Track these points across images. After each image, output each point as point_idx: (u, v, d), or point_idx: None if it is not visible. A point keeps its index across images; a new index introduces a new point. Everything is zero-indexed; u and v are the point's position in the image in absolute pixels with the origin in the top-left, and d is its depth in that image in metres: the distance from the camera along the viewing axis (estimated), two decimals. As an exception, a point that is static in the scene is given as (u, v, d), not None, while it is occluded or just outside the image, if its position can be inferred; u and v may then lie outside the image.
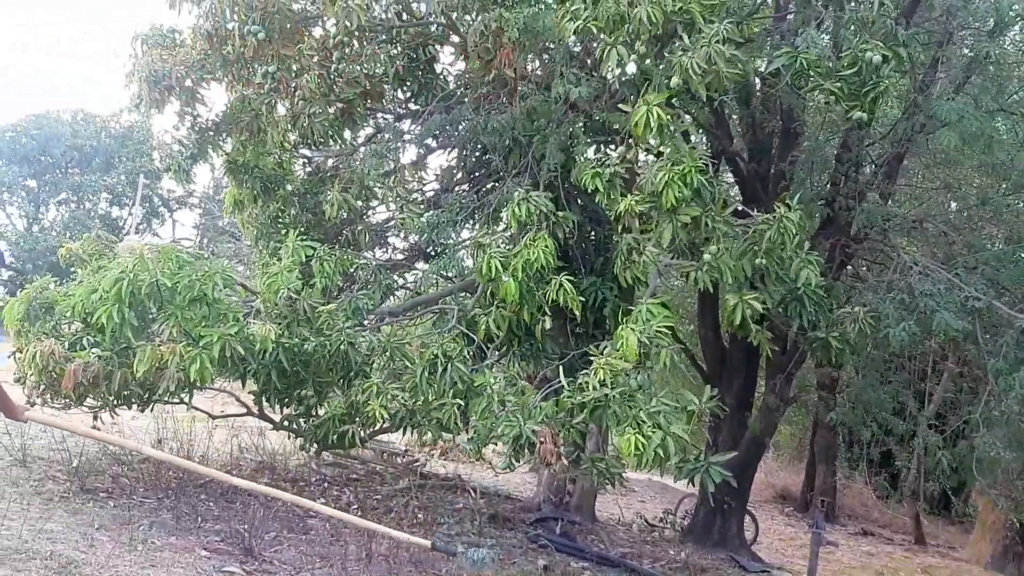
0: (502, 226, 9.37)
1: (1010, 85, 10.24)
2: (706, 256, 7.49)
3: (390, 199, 9.93)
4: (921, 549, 16.86)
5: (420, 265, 11.48)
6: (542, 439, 6.89)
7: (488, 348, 8.86)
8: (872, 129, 9.95)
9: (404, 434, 8.68)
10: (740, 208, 9.17)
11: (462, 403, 7.60)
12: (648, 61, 7.73)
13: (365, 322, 9.20)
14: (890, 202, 11.24)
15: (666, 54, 7.72)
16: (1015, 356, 8.68)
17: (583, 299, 8.65)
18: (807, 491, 19.62)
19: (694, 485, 7.40)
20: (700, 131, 11.65)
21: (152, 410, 8.97)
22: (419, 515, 9.74)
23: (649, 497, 16.70)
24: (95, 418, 8.80)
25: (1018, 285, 9.91)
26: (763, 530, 14.06)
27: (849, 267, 11.26)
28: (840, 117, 7.82)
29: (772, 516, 18.21)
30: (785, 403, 11.31)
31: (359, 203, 10.23)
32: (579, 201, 9.49)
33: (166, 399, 8.16)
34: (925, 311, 8.44)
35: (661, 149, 7.85)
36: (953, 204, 12.85)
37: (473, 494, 11.51)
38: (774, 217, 7.39)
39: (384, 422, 8.07)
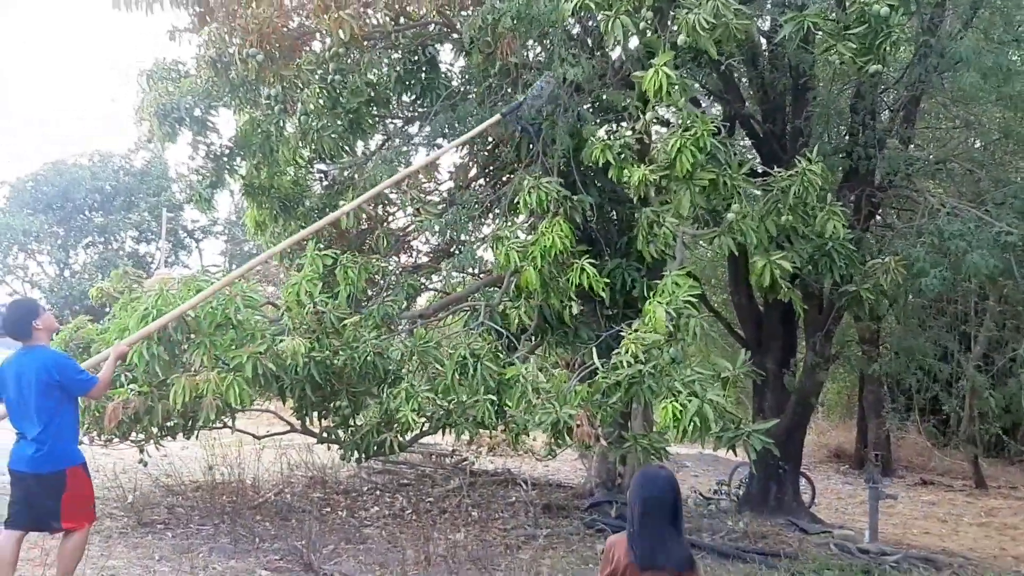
0: (521, 217, 9.34)
1: (1019, 15, 10.01)
2: (728, 216, 7.42)
3: (406, 203, 9.93)
4: (983, 493, 16.63)
5: (445, 265, 11.49)
6: (578, 422, 6.86)
7: (520, 339, 8.84)
8: (885, 75, 9.79)
9: (444, 435, 8.67)
10: (761, 170, 9.07)
11: (495, 399, 7.59)
12: (650, 33, 7.66)
13: (395, 327, 9.22)
14: (911, 146, 11.07)
15: (671, 16, 7.65)
16: (1052, 287, 8.51)
17: (610, 281, 8.61)
18: (860, 447, 19.45)
19: (736, 454, 7.33)
20: (710, 97, 11.55)
21: (198, 437, 9.07)
22: (473, 512, 9.77)
23: (701, 471, 16.64)
24: (141, 451, 8.90)
25: (1050, 214, 9.71)
26: (820, 491, 13.94)
27: (878, 216, 11.10)
28: (851, 68, 7.70)
29: (828, 476, 18.07)
30: (827, 361, 11.17)
31: (376, 210, 10.25)
32: (596, 183, 9.43)
33: (208, 426, 8.22)
34: (957, 253, 8.29)
35: (671, 117, 7.77)
36: (975, 141, 12.63)
37: (525, 486, 11.52)
38: (796, 172, 7.31)
39: (421, 426, 8.08)
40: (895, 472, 18.36)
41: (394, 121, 11.57)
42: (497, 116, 8.66)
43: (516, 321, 8.80)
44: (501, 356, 8.06)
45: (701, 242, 8.54)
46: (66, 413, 5.57)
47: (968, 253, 8.16)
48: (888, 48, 7.17)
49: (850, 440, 20.70)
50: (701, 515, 11.06)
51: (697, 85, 9.95)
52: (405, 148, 10.80)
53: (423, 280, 11.13)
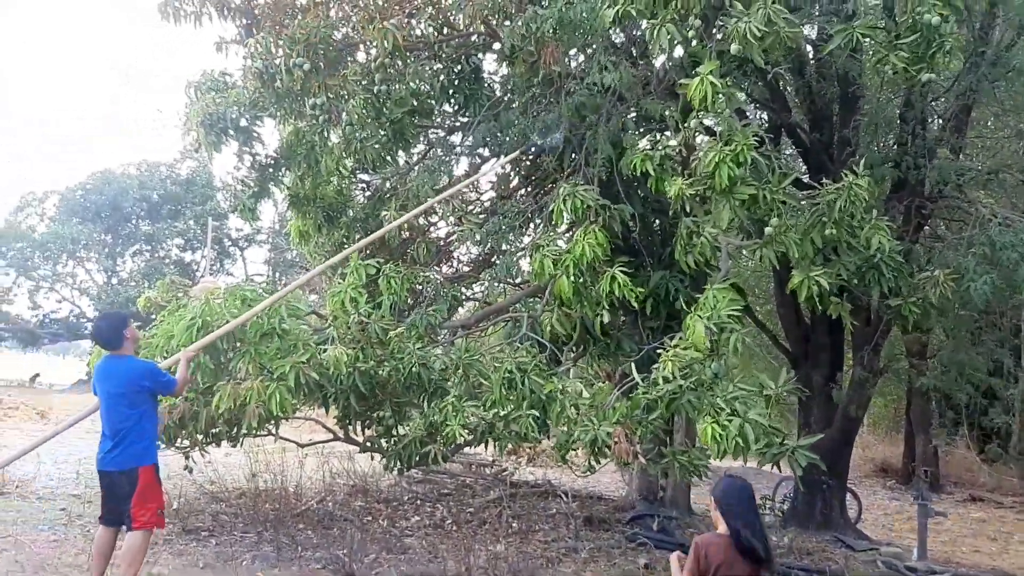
0: (563, 227, 9.30)
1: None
2: (768, 229, 7.30)
3: (448, 213, 9.93)
4: (1035, 510, 16.24)
5: (485, 275, 11.48)
6: (616, 439, 6.78)
7: (563, 351, 8.77)
8: (935, 84, 9.61)
9: (486, 447, 8.64)
10: (807, 180, 8.94)
11: (539, 414, 7.53)
12: (695, 43, 7.58)
13: (438, 337, 9.21)
14: (962, 156, 10.86)
15: (717, 24, 7.56)
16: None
17: (653, 292, 8.51)
18: (908, 462, 19.09)
19: (781, 470, 7.19)
20: (756, 107, 11.43)
21: (242, 445, 9.13)
22: (513, 524, 9.72)
23: (744, 484, 16.38)
24: (186, 457, 8.99)
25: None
26: (866, 506, 13.69)
27: (927, 227, 10.90)
28: (902, 77, 7.52)
29: (874, 491, 17.75)
30: (875, 375, 10.97)
31: (418, 220, 10.27)
32: (639, 193, 9.37)
33: (253, 433, 8.27)
34: (1008, 264, 8.10)
35: (715, 127, 7.68)
36: (1028, 151, 12.36)
37: (565, 498, 11.44)
38: (842, 186, 7.16)
39: (464, 438, 8.06)
40: (943, 488, 17.98)
41: (437, 131, 11.60)
42: (517, 151, 9.33)
43: (551, 331, 8.74)
44: (545, 369, 8.00)
45: (744, 253, 8.42)
46: (151, 415, 6.02)
47: (1021, 264, 7.97)
48: (941, 57, 7.01)
49: (896, 454, 20.34)
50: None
51: (742, 95, 9.86)
52: (447, 158, 10.81)
53: (464, 290, 11.11)
